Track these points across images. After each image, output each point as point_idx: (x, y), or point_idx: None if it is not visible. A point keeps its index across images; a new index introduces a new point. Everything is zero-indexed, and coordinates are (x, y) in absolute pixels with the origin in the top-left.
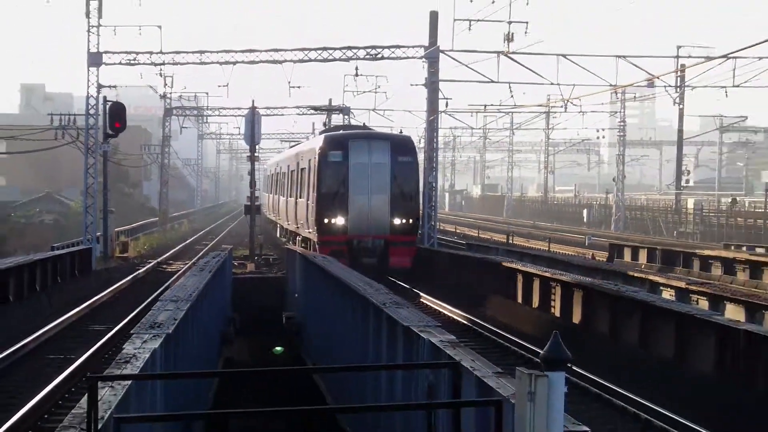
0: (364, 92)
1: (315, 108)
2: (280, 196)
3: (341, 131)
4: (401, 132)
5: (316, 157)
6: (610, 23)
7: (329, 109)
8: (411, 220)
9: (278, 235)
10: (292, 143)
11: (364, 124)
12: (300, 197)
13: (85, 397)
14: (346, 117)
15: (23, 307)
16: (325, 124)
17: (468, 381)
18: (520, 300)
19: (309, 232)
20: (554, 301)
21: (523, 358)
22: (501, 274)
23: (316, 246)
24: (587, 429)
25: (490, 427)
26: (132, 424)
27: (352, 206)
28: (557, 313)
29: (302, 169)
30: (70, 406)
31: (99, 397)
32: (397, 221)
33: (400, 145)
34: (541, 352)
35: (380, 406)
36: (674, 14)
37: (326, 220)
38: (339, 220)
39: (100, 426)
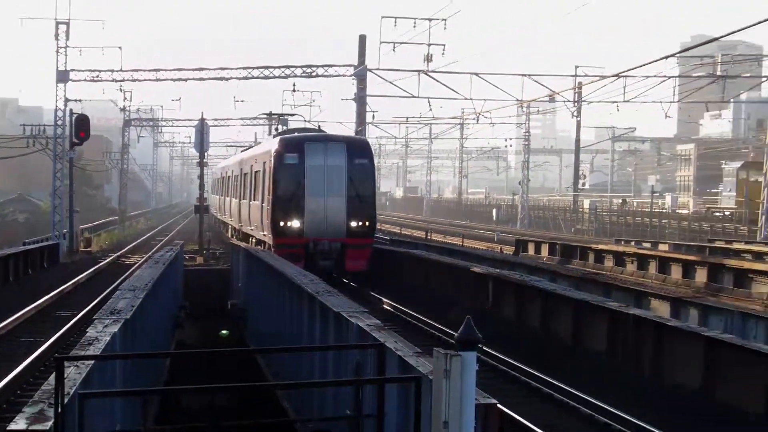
0: (301, 105)
1: (268, 115)
2: (232, 198)
3: (296, 134)
4: (358, 133)
5: (272, 159)
6: (517, 46)
7: (281, 115)
8: (367, 223)
9: (230, 235)
10: (242, 148)
11: (319, 126)
12: (254, 199)
13: (53, 375)
14: (283, 126)
15: None
16: (277, 129)
17: (391, 360)
18: (437, 288)
19: (264, 235)
20: (467, 289)
21: (440, 339)
22: (421, 265)
23: (272, 249)
24: (495, 401)
25: (411, 400)
26: (94, 399)
27: (309, 209)
28: (470, 300)
29: (256, 172)
30: (40, 383)
31: (65, 376)
32: (353, 223)
33: (357, 148)
34: (456, 334)
35: (314, 382)
36: (573, 38)
37: (282, 223)
38: (295, 223)
39: (66, 401)
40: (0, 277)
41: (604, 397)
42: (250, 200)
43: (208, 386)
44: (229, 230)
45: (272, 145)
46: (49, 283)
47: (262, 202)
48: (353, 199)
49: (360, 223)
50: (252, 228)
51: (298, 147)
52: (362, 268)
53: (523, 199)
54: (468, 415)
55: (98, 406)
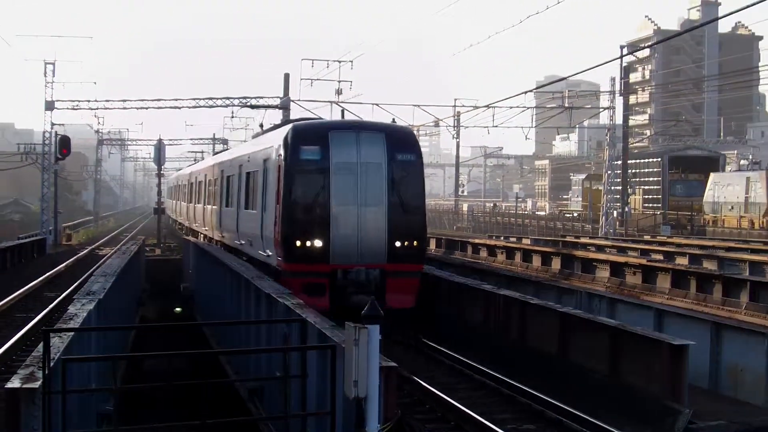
0: (238, 128)
1: (251, 106)
2: (206, 205)
3: (315, 120)
4: (394, 121)
5: (282, 154)
6: (409, 81)
7: (266, 107)
8: (416, 242)
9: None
10: (215, 152)
11: (343, 111)
12: (249, 207)
13: (42, 344)
14: (225, 146)
15: None
16: (261, 126)
17: (312, 332)
18: None
19: (266, 255)
20: None
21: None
22: None
23: (280, 276)
24: (395, 364)
25: (327, 364)
26: (74, 363)
27: (335, 223)
28: None
29: (250, 173)
30: (31, 350)
31: (51, 344)
32: (397, 243)
33: (400, 139)
34: (363, 311)
35: (250, 350)
36: (453, 75)
37: (298, 243)
38: (316, 243)
39: (51, 365)
40: None
41: (480, 359)
42: (239, 208)
43: (165, 353)
44: (201, 239)
45: (280, 135)
46: (38, 270)
47: (263, 212)
48: (396, 209)
49: (406, 243)
50: (242, 243)
51: (320, 137)
52: (409, 305)
53: None
54: (373, 375)
55: (77, 369)
